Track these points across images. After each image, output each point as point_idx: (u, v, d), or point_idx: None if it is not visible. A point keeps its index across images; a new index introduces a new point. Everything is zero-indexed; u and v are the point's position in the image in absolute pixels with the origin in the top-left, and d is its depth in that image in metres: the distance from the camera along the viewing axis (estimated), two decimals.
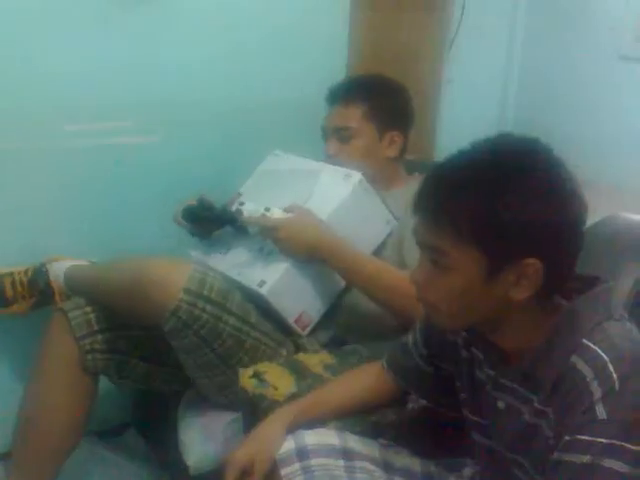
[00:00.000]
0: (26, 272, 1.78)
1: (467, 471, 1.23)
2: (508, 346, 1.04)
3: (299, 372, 1.46)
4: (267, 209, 1.59)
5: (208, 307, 1.47)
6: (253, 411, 1.38)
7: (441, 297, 1.01)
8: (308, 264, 1.58)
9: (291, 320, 1.60)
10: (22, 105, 1.72)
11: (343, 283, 1.62)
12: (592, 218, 1.53)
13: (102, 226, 1.90)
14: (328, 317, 1.65)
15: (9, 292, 1.76)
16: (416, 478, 1.22)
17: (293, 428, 1.20)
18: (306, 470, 1.13)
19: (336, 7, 2.09)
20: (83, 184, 1.85)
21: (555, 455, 0.92)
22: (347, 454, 1.17)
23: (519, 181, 0.94)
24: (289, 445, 1.16)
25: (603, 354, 0.92)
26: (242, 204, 1.64)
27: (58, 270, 1.75)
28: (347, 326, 1.65)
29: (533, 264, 0.94)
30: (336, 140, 1.75)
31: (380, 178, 1.73)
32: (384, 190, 1.72)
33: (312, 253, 1.55)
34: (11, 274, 1.78)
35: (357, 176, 1.62)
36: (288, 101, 2.03)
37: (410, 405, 1.32)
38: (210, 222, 1.67)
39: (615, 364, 0.91)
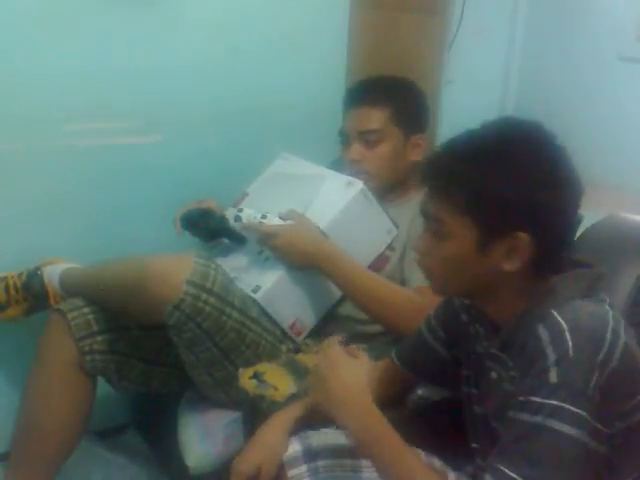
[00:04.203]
0: (20, 276, 1.73)
1: (469, 469, 1.23)
2: (498, 317, 1.09)
3: (299, 373, 1.46)
4: (264, 216, 1.59)
5: (211, 300, 1.46)
6: (253, 411, 1.38)
7: (436, 263, 1.08)
8: (304, 272, 1.58)
9: (285, 326, 1.61)
10: (21, 105, 1.72)
11: (339, 293, 1.61)
12: (593, 218, 1.54)
13: (102, 228, 1.89)
14: (323, 326, 1.65)
15: (2, 297, 1.71)
16: None
17: (297, 429, 1.20)
18: (313, 472, 1.14)
19: (336, 7, 2.08)
20: (83, 186, 1.85)
21: (510, 413, 0.97)
22: (353, 453, 1.17)
23: (516, 158, 1.01)
24: (296, 447, 1.17)
25: (563, 322, 0.97)
26: (241, 211, 1.65)
27: (53, 273, 1.72)
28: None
29: (523, 238, 1.00)
30: (360, 144, 1.68)
31: (400, 184, 1.71)
32: (399, 198, 1.71)
33: (308, 261, 1.55)
34: (5, 278, 1.73)
35: (359, 184, 1.61)
36: (288, 102, 2.03)
37: (419, 392, 1.34)
38: (207, 231, 1.67)
39: (572, 333, 0.95)
